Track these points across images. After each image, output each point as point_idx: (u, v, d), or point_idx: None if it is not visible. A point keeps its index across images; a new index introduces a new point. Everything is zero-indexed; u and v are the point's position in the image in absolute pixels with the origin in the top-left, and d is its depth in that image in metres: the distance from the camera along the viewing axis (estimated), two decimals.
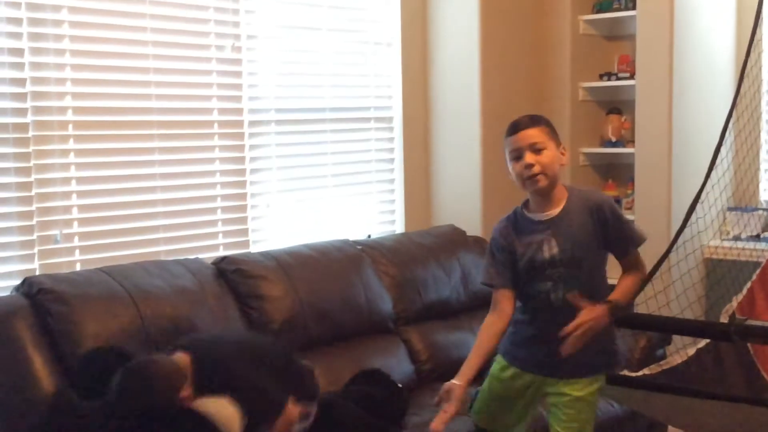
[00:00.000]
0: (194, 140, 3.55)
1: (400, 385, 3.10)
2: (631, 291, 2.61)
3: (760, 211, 4.34)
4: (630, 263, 2.60)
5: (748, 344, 3.19)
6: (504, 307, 2.62)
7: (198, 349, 2.56)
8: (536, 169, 2.48)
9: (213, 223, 3.61)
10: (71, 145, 3.19)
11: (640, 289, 2.62)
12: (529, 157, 2.49)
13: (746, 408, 2.64)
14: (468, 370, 2.57)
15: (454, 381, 2.57)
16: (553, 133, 2.55)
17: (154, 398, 2.39)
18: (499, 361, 2.71)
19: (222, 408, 2.44)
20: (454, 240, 4.01)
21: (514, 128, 2.54)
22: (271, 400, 2.53)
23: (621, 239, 2.57)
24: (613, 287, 2.57)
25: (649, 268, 2.86)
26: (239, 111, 3.67)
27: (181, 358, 2.50)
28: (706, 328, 2.73)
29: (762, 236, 4.19)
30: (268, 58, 3.78)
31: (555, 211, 2.56)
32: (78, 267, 3.18)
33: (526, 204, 2.63)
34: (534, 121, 2.55)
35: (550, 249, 2.53)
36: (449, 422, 2.51)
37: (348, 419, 2.73)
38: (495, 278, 2.63)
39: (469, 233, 4.12)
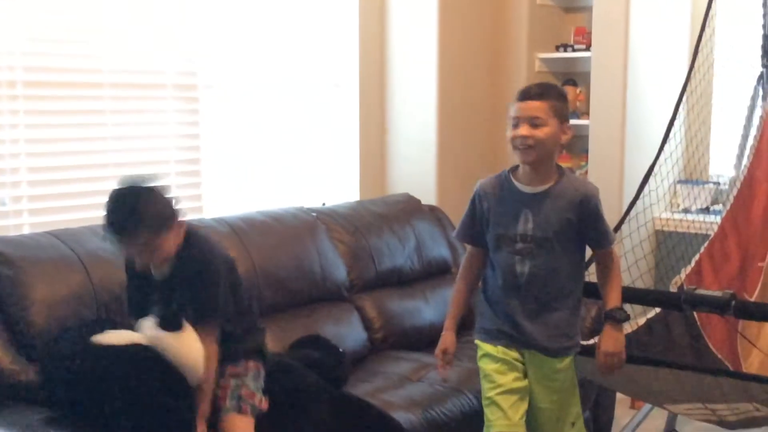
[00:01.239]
0: (147, 102, 3.49)
1: (341, 350, 3.10)
2: (619, 290, 2.63)
3: (710, 185, 4.41)
4: (604, 256, 2.62)
5: (695, 314, 3.24)
6: (475, 265, 2.66)
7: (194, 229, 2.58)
8: (528, 142, 2.46)
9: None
10: (20, 104, 3.12)
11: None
12: (524, 129, 2.46)
13: (693, 376, 2.69)
14: (452, 318, 2.68)
15: (446, 334, 2.66)
16: (561, 109, 2.51)
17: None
18: (481, 350, 2.67)
19: (188, 341, 2.41)
20: (408, 208, 4.01)
21: (522, 95, 2.51)
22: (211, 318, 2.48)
23: (596, 234, 2.58)
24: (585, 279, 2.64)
25: None
26: (193, 74, 3.62)
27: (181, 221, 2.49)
28: (657, 297, 2.77)
29: (711, 209, 4.25)
30: (224, 22, 3.72)
31: (540, 188, 2.54)
32: (26, 230, 3.12)
33: (514, 170, 2.60)
34: (544, 93, 2.50)
35: (526, 223, 2.52)
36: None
37: (299, 379, 2.71)
38: (469, 236, 2.65)
39: (423, 202, 4.13)
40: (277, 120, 3.98)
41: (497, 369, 2.62)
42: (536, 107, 2.47)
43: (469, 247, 2.71)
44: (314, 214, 3.66)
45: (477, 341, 2.68)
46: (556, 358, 2.60)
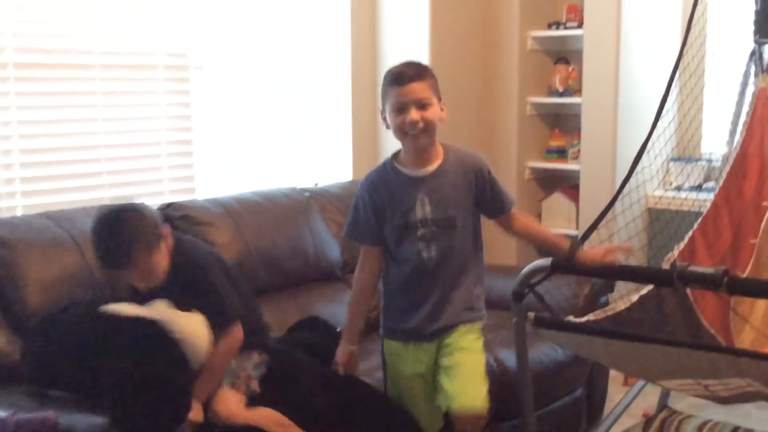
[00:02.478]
0: (138, 83, 3.47)
1: (339, 329, 3.11)
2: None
3: (702, 162, 4.41)
4: (511, 218, 2.62)
5: (688, 290, 3.25)
6: (374, 265, 2.59)
7: (180, 236, 2.61)
8: (420, 125, 2.40)
9: (158, 168, 3.56)
10: (11, 86, 3.10)
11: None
12: (414, 114, 2.40)
13: (685, 352, 2.70)
14: (355, 331, 2.66)
15: (348, 347, 2.65)
16: (437, 87, 2.47)
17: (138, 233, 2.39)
18: (387, 348, 2.67)
19: (196, 324, 2.43)
20: None
21: (401, 80, 2.43)
22: (229, 312, 2.51)
23: (497, 200, 2.57)
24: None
25: (594, 216, 2.90)
26: (183, 55, 3.60)
27: (168, 232, 2.52)
28: (649, 274, 2.77)
29: (703, 186, 4.26)
30: (215, 3, 3.70)
31: (430, 169, 2.49)
32: (19, 212, 3.11)
33: (396, 156, 2.54)
34: (421, 73, 2.44)
35: (423, 207, 2.48)
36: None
37: (299, 367, 2.72)
38: (363, 236, 2.58)
39: None
40: (269, 101, 3.97)
41: (404, 374, 2.62)
42: (420, 88, 2.41)
43: (362, 248, 2.63)
44: (307, 194, 3.66)
45: (384, 340, 2.67)
46: (462, 326, 2.58)
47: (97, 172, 3.35)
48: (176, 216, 3.20)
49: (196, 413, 2.40)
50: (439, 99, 2.47)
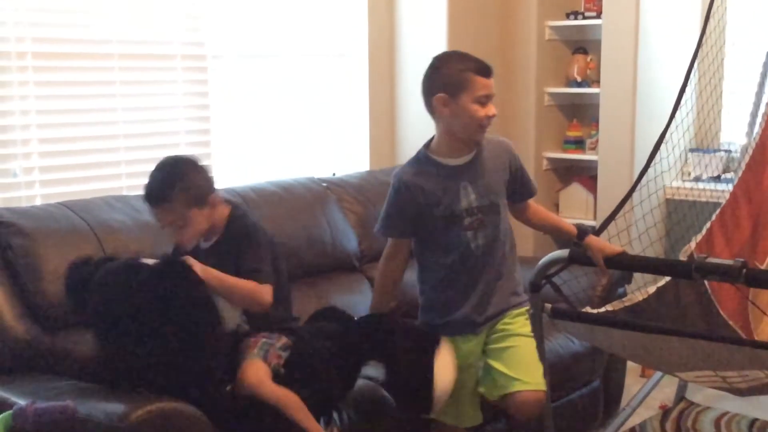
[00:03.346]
0: (156, 73, 3.48)
1: (356, 318, 3.11)
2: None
3: (721, 153, 4.39)
4: (532, 205, 2.66)
5: (706, 282, 3.24)
6: (404, 256, 2.59)
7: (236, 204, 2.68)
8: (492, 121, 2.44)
9: None
10: (30, 75, 3.12)
11: None
12: (493, 108, 2.41)
13: (703, 344, 2.69)
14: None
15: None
16: None
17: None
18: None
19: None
20: None
21: (488, 71, 2.43)
22: (262, 274, 2.52)
23: (526, 185, 2.61)
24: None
25: (612, 207, 2.89)
26: (201, 44, 3.61)
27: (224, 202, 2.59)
28: (667, 266, 2.76)
29: (722, 177, 4.24)
30: None
31: (468, 157, 2.48)
32: (38, 202, 3.13)
33: (428, 147, 2.51)
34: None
35: (468, 196, 2.46)
36: None
37: (319, 355, 2.73)
38: (397, 230, 2.56)
39: None
40: (286, 90, 3.97)
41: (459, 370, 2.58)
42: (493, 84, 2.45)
43: (391, 241, 2.61)
44: (324, 184, 3.66)
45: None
46: (509, 312, 2.59)
47: (115, 161, 3.36)
48: None
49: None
50: None
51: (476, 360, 2.60)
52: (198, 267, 2.38)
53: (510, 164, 2.54)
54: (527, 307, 2.61)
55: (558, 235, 2.77)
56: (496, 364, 2.56)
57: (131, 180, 3.37)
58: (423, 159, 2.50)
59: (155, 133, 3.48)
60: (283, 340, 2.64)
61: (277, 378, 2.57)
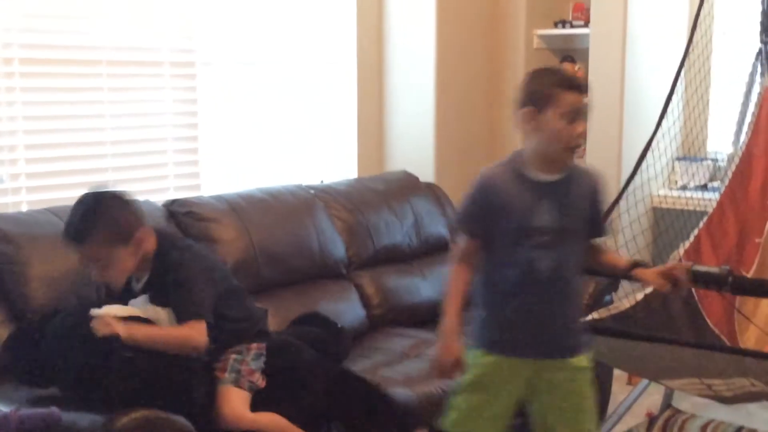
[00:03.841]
0: (144, 79, 3.48)
1: (340, 326, 3.11)
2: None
3: (708, 162, 4.41)
4: (597, 246, 2.49)
5: (693, 289, 3.25)
6: (472, 259, 2.41)
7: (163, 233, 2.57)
8: (581, 140, 2.30)
9: (163, 165, 3.56)
10: (17, 81, 3.11)
11: None
12: (583, 125, 2.26)
13: (690, 351, 2.70)
14: (455, 321, 2.40)
15: (454, 345, 2.39)
16: None
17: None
18: (473, 356, 2.42)
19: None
20: (406, 186, 4.01)
21: (580, 87, 2.29)
22: (192, 309, 2.44)
23: (598, 221, 2.43)
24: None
25: None
26: (190, 51, 3.60)
27: (149, 232, 2.49)
28: None
29: (709, 186, 4.25)
30: (223, 2, 3.71)
31: (558, 176, 2.33)
32: (24, 208, 3.12)
33: (521, 155, 2.38)
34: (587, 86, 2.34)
35: (544, 215, 2.32)
36: None
37: (296, 356, 2.72)
38: (472, 229, 2.40)
39: (421, 179, 4.13)
40: (275, 97, 3.97)
41: (491, 388, 2.42)
42: (587, 100, 2.31)
43: (465, 239, 2.43)
44: (312, 191, 3.66)
45: (476, 350, 2.42)
46: (576, 357, 2.40)
47: (102, 168, 3.35)
48: (181, 212, 3.20)
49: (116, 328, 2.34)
50: None
51: (514, 388, 2.42)
52: (123, 333, 2.31)
53: (595, 193, 2.40)
54: (587, 355, 2.44)
55: (613, 273, 2.64)
56: (551, 421, 2.43)
57: (118, 187, 3.34)
58: (511, 166, 2.38)
59: (143, 139, 3.47)
60: (254, 347, 2.61)
61: (259, 395, 2.56)
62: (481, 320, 2.42)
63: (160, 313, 2.42)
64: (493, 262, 2.38)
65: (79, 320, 2.40)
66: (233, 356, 2.57)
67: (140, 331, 2.37)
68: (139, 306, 2.44)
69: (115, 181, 3.36)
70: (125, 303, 2.49)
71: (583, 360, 2.41)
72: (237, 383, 2.54)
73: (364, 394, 2.77)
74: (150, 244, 2.47)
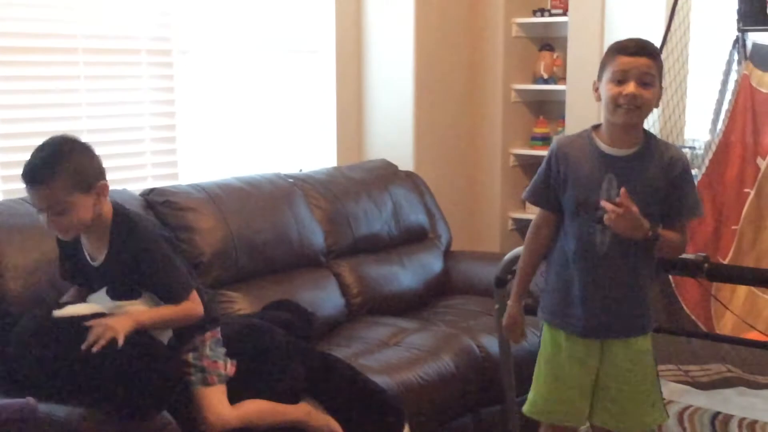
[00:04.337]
0: (121, 68, 3.45)
1: (310, 311, 3.09)
2: (674, 241, 2.33)
3: (686, 149, 4.42)
4: (682, 227, 2.37)
5: (670, 276, 3.27)
6: (549, 231, 2.42)
7: (122, 208, 2.45)
8: (637, 102, 2.22)
9: (141, 153, 3.54)
10: None
11: (677, 254, 2.41)
12: (633, 87, 2.22)
13: (667, 338, 2.72)
14: (517, 295, 2.50)
15: (512, 306, 2.50)
16: (662, 72, 2.31)
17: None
18: (551, 334, 2.46)
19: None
20: (385, 174, 4.01)
21: (627, 49, 2.27)
22: (180, 290, 2.40)
23: (681, 203, 2.33)
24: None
25: None
26: (167, 40, 3.58)
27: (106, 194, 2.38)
28: None
29: None
30: None
31: (629, 151, 2.30)
32: (0, 197, 3.09)
33: (596, 128, 2.37)
34: (650, 50, 2.27)
35: (609, 189, 2.29)
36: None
37: (269, 338, 2.69)
38: (541, 200, 2.41)
39: (400, 167, 4.13)
40: (253, 85, 3.95)
41: (561, 362, 2.43)
42: (647, 64, 2.24)
43: (539, 211, 2.46)
44: (291, 180, 3.65)
45: (545, 324, 2.48)
46: (634, 338, 2.40)
47: None
48: (158, 201, 3.19)
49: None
50: (661, 85, 2.31)
51: (593, 364, 2.42)
52: (128, 328, 2.25)
53: (668, 169, 2.31)
54: (650, 333, 2.44)
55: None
56: (604, 401, 2.44)
57: None
58: (585, 136, 2.37)
59: (120, 128, 3.45)
60: (207, 337, 2.51)
61: (234, 381, 2.52)
62: (545, 291, 2.46)
63: (125, 307, 2.36)
64: (561, 234, 2.40)
65: (41, 324, 2.34)
66: (190, 355, 2.48)
67: (144, 316, 2.32)
68: (101, 303, 2.38)
69: None
70: (86, 280, 2.44)
71: (643, 341, 2.41)
72: (206, 382, 2.47)
73: (348, 378, 2.75)
74: (108, 206, 2.37)
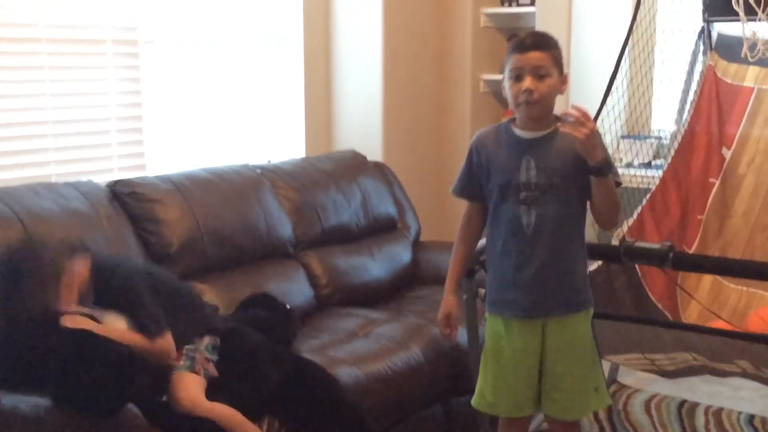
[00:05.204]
0: (86, 58, 3.41)
1: (288, 307, 3.10)
2: (611, 187, 2.41)
3: (652, 140, 4.46)
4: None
5: (637, 266, 3.30)
6: (478, 222, 2.52)
7: (100, 259, 2.56)
8: (534, 96, 2.30)
9: (107, 145, 3.51)
10: None
11: (616, 206, 2.46)
12: (529, 82, 2.31)
13: (633, 327, 2.74)
14: (453, 283, 2.56)
15: (448, 298, 2.54)
16: (560, 60, 2.38)
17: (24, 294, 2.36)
18: (490, 323, 2.51)
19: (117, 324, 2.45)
20: (354, 165, 4.00)
21: (521, 47, 2.35)
22: (158, 325, 2.52)
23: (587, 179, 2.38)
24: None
25: None
26: (133, 29, 3.54)
27: (80, 261, 2.48)
28: (598, 250, 2.80)
29: (653, 164, 4.31)
30: None
31: (540, 133, 2.39)
32: None
33: (513, 121, 2.46)
34: (543, 43, 2.35)
35: (528, 171, 2.38)
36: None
37: (247, 342, 2.72)
38: (466, 191, 2.52)
39: (369, 158, 4.12)
40: (220, 76, 3.92)
41: (503, 350, 2.47)
42: (539, 57, 2.32)
43: (467, 204, 2.55)
44: (259, 171, 3.63)
45: (487, 314, 2.52)
46: (573, 317, 2.44)
47: (44, 148, 3.29)
48: (124, 193, 3.16)
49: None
50: (561, 72, 2.38)
51: (534, 348, 2.45)
52: (96, 329, 2.37)
53: (576, 153, 2.35)
54: (590, 310, 2.48)
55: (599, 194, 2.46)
56: (547, 388, 2.47)
57: (60, 167, 3.30)
58: (502, 126, 2.48)
59: (85, 119, 3.41)
60: (207, 339, 2.63)
61: (213, 384, 2.56)
62: (488, 285, 2.51)
63: (119, 323, 2.44)
64: (490, 222, 2.47)
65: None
66: (186, 347, 2.58)
67: (115, 333, 2.41)
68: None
69: (57, 161, 3.30)
70: None
71: (582, 324, 2.46)
72: (192, 369, 2.54)
73: (321, 383, 2.76)
74: (82, 271, 2.49)
